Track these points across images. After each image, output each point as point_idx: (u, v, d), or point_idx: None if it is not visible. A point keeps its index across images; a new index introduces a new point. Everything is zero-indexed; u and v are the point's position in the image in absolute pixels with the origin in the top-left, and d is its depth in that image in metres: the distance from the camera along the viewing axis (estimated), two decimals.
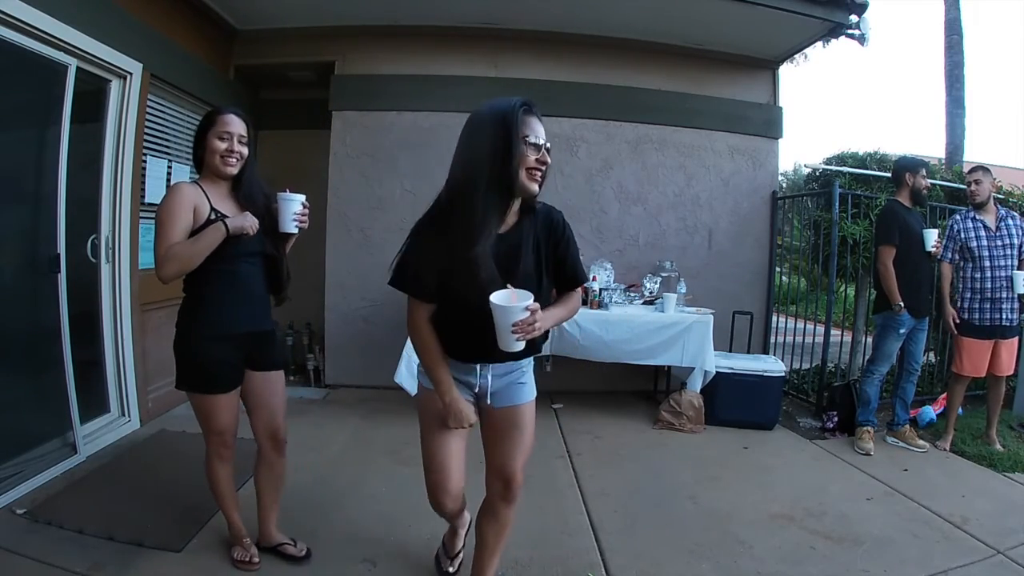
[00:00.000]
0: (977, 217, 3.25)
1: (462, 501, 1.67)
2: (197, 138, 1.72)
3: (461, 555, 1.87)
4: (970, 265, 3.27)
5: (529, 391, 1.60)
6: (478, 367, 1.47)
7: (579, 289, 1.56)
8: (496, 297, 1.24)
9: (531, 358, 1.62)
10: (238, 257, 1.70)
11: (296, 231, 1.77)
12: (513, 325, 1.24)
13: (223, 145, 1.68)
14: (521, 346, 1.29)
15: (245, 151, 1.72)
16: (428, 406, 1.50)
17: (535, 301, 1.26)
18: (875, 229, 3.37)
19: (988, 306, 3.19)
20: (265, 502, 1.91)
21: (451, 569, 1.85)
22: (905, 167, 3.27)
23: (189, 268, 1.61)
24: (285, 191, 1.75)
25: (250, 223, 1.65)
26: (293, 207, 1.73)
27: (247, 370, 1.79)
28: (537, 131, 1.30)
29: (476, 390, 1.51)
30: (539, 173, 1.32)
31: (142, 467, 2.60)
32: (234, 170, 1.71)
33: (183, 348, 1.72)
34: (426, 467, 1.55)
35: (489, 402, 1.51)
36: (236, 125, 1.70)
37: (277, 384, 1.86)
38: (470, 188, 1.27)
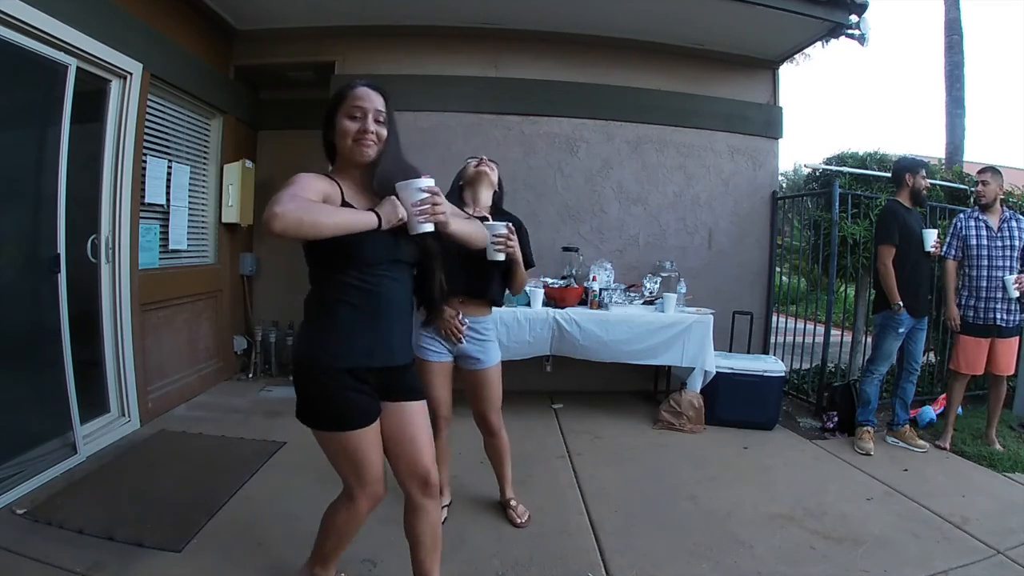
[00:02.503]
0: (980, 217, 3.26)
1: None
2: (326, 121, 1.43)
3: None
4: (968, 264, 3.27)
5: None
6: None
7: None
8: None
9: None
10: (378, 267, 1.37)
11: (427, 230, 1.34)
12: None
13: (355, 125, 1.36)
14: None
15: (384, 132, 1.39)
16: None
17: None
18: (875, 229, 3.37)
19: (983, 305, 3.20)
20: (426, 565, 1.51)
21: None
22: (905, 167, 3.27)
23: (305, 231, 1.19)
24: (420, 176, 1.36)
25: (402, 211, 1.32)
26: (411, 196, 1.33)
27: (381, 401, 1.46)
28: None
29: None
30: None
31: (142, 467, 2.60)
32: (371, 154, 1.38)
33: (301, 379, 1.40)
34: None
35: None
36: (372, 99, 1.37)
37: (418, 416, 1.50)
38: None
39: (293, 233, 1.17)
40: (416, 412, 1.49)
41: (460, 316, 2.03)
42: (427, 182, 1.33)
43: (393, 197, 1.32)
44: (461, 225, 1.48)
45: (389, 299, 1.38)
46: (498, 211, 2.19)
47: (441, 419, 2.09)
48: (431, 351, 2.07)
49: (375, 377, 1.40)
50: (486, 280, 2.05)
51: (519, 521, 2.23)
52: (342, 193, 1.37)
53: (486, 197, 2.13)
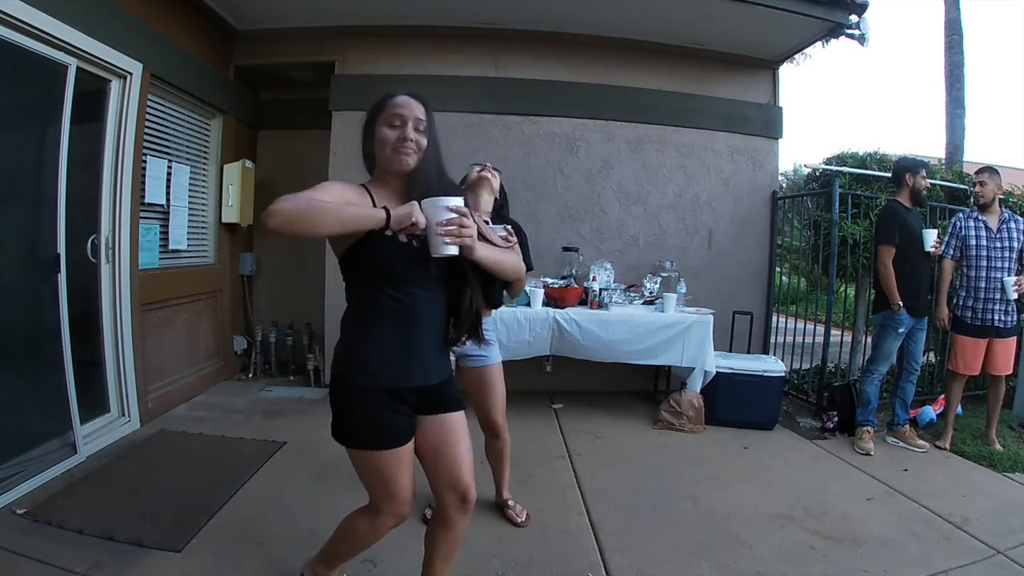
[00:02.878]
0: (979, 217, 3.25)
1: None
2: (365, 132, 1.40)
3: None
4: (966, 264, 3.28)
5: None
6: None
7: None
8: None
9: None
10: (413, 283, 1.33)
11: (451, 253, 1.24)
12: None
13: (395, 134, 1.33)
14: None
15: (424, 140, 1.35)
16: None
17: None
18: (875, 229, 3.38)
19: (981, 305, 3.20)
20: (438, 573, 1.51)
21: None
22: (905, 167, 3.27)
23: (300, 227, 1.14)
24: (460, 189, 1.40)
25: (420, 217, 1.23)
26: (437, 214, 1.23)
27: (419, 416, 1.42)
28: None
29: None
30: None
31: (142, 467, 2.60)
32: (410, 162, 1.34)
33: (337, 397, 1.38)
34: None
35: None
36: (412, 107, 1.34)
37: (458, 427, 1.45)
38: None
39: (288, 230, 1.13)
40: (456, 423, 1.44)
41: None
42: (455, 201, 1.23)
43: (414, 202, 1.25)
44: (490, 252, 1.35)
45: (424, 316, 1.35)
46: (499, 217, 2.19)
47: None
48: None
49: (413, 396, 1.38)
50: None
51: (519, 520, 2.23)
52: (373, 201, 1.33)
53: (487, 202, 2.12)
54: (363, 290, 1.35)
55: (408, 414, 1.38)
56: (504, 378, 2.20)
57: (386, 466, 1.36)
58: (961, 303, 3.28)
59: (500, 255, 1.40)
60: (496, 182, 2.17)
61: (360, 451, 1.36)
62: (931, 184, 3.82)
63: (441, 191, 1.28)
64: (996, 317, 3.18)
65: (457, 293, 1.40)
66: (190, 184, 3.70)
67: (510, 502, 2.30)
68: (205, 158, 3.93)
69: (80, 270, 2.73)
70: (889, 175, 3.67)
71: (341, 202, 1.24)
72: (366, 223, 1.22)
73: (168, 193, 3.43)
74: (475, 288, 1.40)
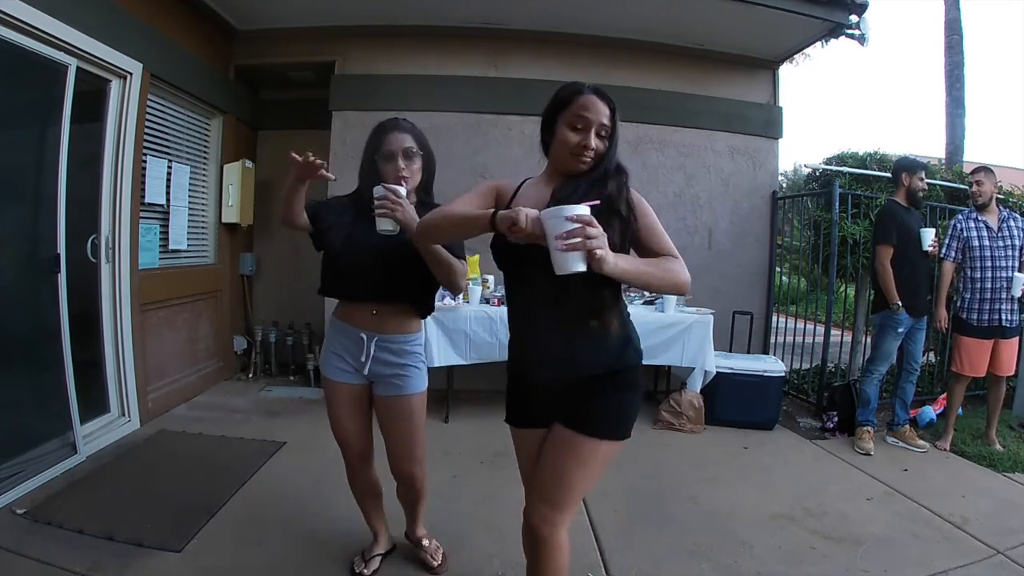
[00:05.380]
0: (979, 218, 3.25)
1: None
2: (545, 120, 1.36)
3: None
4: (970, 265, 3.27)
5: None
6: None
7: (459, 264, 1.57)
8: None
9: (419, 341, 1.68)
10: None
11: (577, 269, 1.06)
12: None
13: (576, 138, 1.25)
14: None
15: (603, 147, 1.27)
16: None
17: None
18: (873, 229, 3.38)
19: (987, 306, 3.20)
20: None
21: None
22: (903, 167, 3.28)
23: (427, 238, 1.38)
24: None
25: (523, 219, 1.09)
26: (557, 226, 1.07)
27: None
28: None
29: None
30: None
31: (142, 467, 2.60)
32: (585, 169, 1.28)
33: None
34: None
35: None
36: (598, 111, 1.24)
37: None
38: None
39: (422, 243, 1.41)
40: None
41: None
42: (577, 210, 1.05)
43: (520, 208, 1.11)
44: (632, 264, 1.15)
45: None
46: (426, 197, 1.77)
47: (354, 456, 1.76)
48: (337, 369, 1.66)
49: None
50: (400, 277, 1.58)
51: (434, 564, 1.88)
52: (517, 189, 1.36)
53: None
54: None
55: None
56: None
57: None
58: (966, 305, 3.27)
59: (647, 268, 1.20)
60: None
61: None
62: (932, 184, 3.83)
63: (576, 200, 1.11)
64: (1004, 317, 3.18)
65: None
66: (190, 184, 3.70)
67: (424, 541, 1.93)
68: (205, 158, 3.93)
69: (80, 270, 2.73)
70: (889, 175, 3.67)
71: (479, 200, 1.33)
72: (473, 225, 1.22)
73: (168, 193, 3.43)
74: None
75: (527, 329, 1.33)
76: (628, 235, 1.26)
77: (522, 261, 1.23)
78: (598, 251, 1.04)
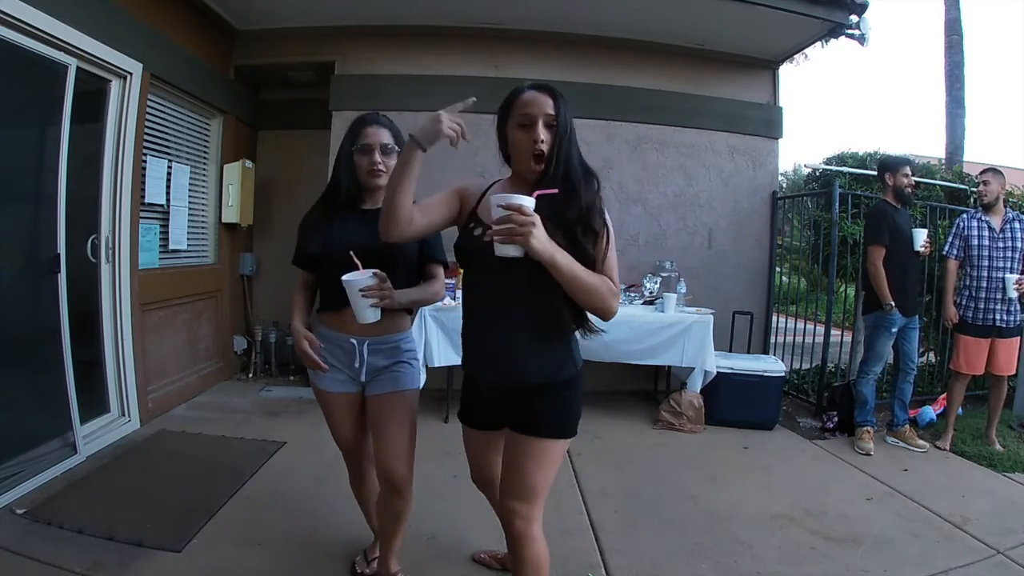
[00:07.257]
0: (983, 217, 3.26)
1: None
2: (498, 134, 1.39)
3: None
4: (968, 264, 3.28)
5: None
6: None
7: (439, 270, 1.65)
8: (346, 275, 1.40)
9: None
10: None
11: (508, 253, 1.13)
12: (361, 291, 1.37)
13: (527, 137, 1.26)
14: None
15: (551, 136, 1.26)
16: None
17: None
18: (864, 229, 3.38)
19: (983, 305, 3.21)
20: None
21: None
22: (885, 168, 3.29)
23: (385, 215, 1.22)
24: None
25: (443, 126, 1.16)
26: (492, 213, 1.13)
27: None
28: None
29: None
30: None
31: (142, 467, 2.60)
32: (539, 167, 1.26)
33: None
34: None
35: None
36: (539, 103, 1.26)
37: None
38: None
39: (388, 227, 1.23)
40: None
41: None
42: (513, 199, 1.08)
43: (439, 112, 1.17)
44: (566, 258, 1.15)
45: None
46: None
47: (356, 459, 1.77)
48: (329, 379, 1.61)
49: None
50: (388, 275, 1.49)
51: None
52: (484, 192, 1.37)
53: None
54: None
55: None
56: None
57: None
58: (964, 303, 3.28)
59: (581, 272, 1.18)
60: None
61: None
62: (932, 184, 3.83)
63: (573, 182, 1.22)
64: (998, 317, 3.18)
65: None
66: (190, 184, 3.70)
67: None
68: (205, 158, 3.93)
69: (80, 270, 2.73)
70: None
71: (440, 199, 1.35)
72: (403, 165, 1.20)
73: (168, 193, 3.43)
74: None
75: (474, 330, 1.37)
76: (599, 250, 1.27)
77: (480, 265, 1.29)
78: (520, 237, 1.08)
